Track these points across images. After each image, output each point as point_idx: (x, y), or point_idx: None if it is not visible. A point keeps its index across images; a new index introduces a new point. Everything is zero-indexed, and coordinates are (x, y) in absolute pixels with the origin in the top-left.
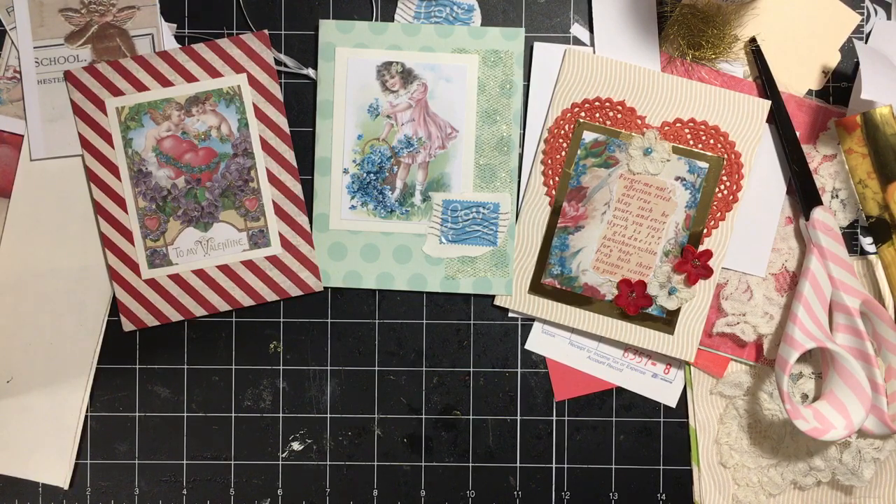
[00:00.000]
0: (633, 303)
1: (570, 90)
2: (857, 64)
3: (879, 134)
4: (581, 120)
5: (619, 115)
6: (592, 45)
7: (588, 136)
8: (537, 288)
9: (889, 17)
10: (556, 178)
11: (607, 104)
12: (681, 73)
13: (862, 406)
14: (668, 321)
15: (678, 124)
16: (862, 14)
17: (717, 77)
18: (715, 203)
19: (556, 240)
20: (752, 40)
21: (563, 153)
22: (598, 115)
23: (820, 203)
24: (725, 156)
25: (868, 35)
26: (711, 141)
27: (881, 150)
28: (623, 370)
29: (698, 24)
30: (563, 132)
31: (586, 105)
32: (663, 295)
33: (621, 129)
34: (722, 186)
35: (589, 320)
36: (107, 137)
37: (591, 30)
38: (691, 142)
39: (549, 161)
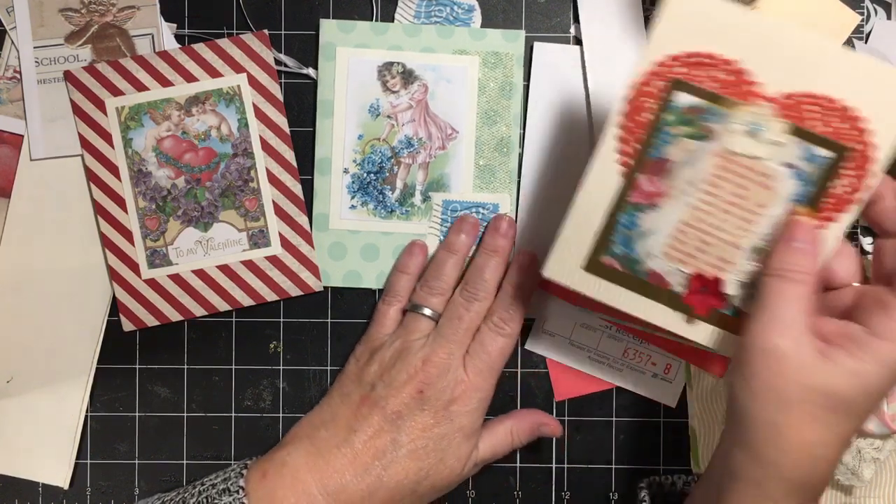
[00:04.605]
0: (704, 301)
1: (671, 37)
2: None
3: None
4: (678, 78)
5: (728, 77)
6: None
7: (683, 99)
8: (594, 266)
9: (889, 17)
10: (636, 145)
11: (715, 61)
12: None
13: None
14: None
15: (807, 99)
16: (862, 14)
17: None
18: (829, 200)
19: (624, 216)
20: None
21: (649, 115)
22: (699, 73)
23: None
24: (856, 146)
25: (868, 35)
26: (846, 125)
27: None
28: (623, 370)
29: None
30: (652, 90)
31: (688, 59)
32: (740, 297)
33: (726, 96)
34: (844, 181)
35: (651, 310)
36: (107, 137)
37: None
38: (819, 125)
39: (629, 123)
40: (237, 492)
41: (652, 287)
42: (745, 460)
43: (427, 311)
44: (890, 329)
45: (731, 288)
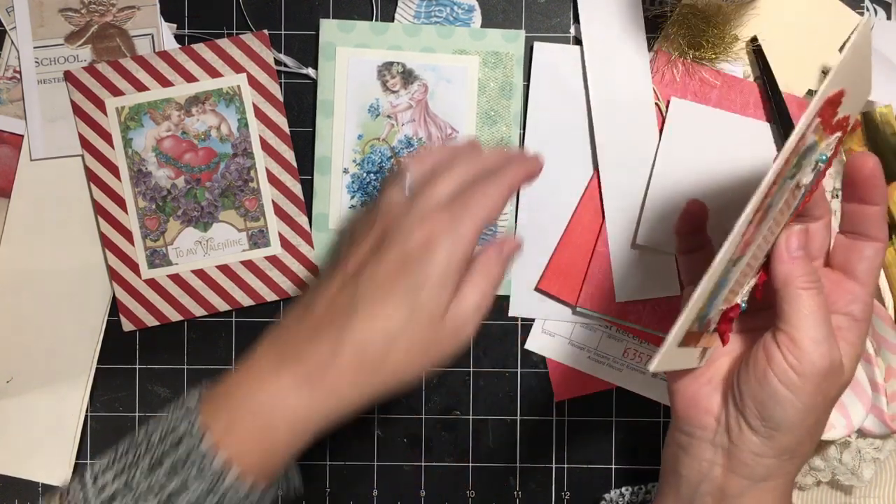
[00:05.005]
0: (727, 329)
1: (839, 80)
2: None
3: (879, 134)
4: (819, 120)
5: (831, 111)
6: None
7: (809, 139)
8: (684, 340)
9: (889, 17)
10: (767, 201)
11: (837, 97)
12: (681, 72)
13: (862, 406)
14: None
15: (842, 121)
16: (862, 14)
17: (717, 77)
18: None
19: (724, 276)
20: (753, 40)
21: (791, 160)
22: (825, 111)
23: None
24: (832, 154)
25: None
26: (840, 136)
27: (881, 150)
28: (623, 370)
29: (698, 24)
30: (805, 138)
31: (832, 99)
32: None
33: (823, 130)
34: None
35: (691, 356)
36: (107, 137)
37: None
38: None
39: (776, 180)
40: (182, 414)
41: (699, 334)
42: (779, 463)
43: (408, 180)
44: (861, 311)
45: (742, 307)
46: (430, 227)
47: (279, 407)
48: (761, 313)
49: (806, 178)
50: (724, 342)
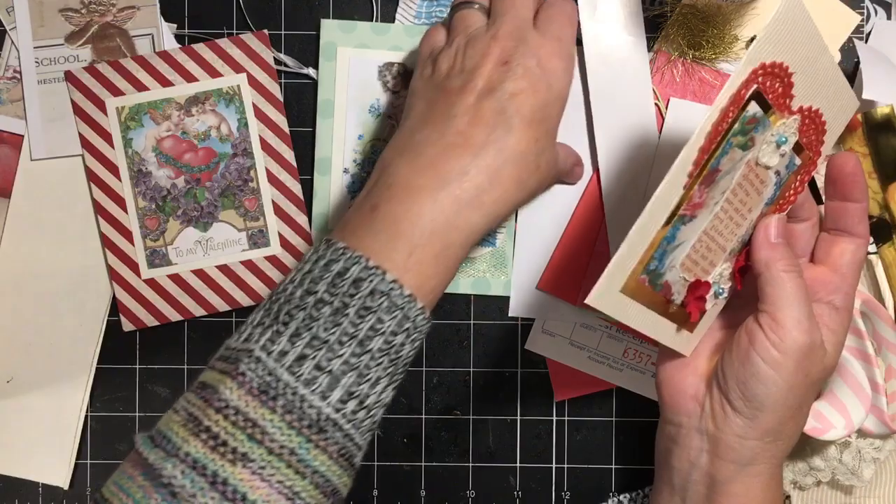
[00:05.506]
0: (697, 307)
1: (770, 44)
2: (857, 64)
3: (880, 134)
4: (758, 87)
5: (780, 88)
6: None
7: (751, 109)
8: (629, 287)
9: (889, 17)
10: (705, 156)
11: (781, 72)
12: (681, 72)
13: (862, 406)
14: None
15: (809, 114)
16: (862, 14)
17: (717, 77)
18: (781, 202)
19: (670, 230)
20: (753, 40)
21: (726, 124)
22: (769, 83)
23: (821, 202)
24: (813, 154)
25: (868, 35)
26: (816, 137)
27: (881, 150)
28: (623, 370)
29: (698, 24)
30: (739, 98)
31: (770, 69)
32: (710, 297)
33: (774, 107)
34: (794, 184)
35: (657, 325)
36: (107, 137)
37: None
38: (804, 138)
39: (712, 133)
40: (347, 257)
41: (660, 299)
42: (763, 445)
43: (476, 5)
44: (842, 301)
45: (713, 289)
46: (547, 50)
47: (454, 229)
48: (745, 308)
49: (768, 158)
50: (692, 318)
